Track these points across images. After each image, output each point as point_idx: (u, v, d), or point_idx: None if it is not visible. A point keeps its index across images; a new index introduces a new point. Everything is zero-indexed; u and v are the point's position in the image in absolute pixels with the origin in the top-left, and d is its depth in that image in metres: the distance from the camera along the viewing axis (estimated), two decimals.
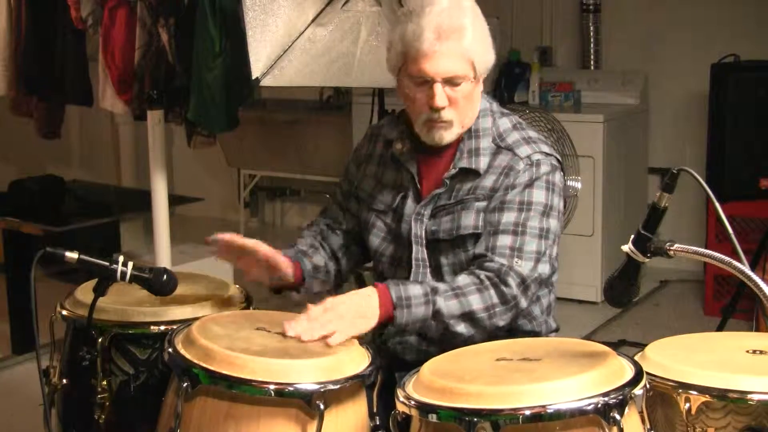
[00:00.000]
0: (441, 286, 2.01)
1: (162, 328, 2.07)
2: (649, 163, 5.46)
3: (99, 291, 1.99)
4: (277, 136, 6.08)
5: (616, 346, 3.96)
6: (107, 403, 2.08)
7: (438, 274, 2.16)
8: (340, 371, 1.77)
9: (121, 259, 1.99)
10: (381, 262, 2.26)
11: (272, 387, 1.71)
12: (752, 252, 3.68)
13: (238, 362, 1.73)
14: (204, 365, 1.75)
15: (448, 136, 2.13)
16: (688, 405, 1.74)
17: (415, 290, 1.99)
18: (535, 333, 2.21)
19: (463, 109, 2.11)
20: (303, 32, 3.23)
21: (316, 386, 1.72)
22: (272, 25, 3.18)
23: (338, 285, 2.35)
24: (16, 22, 4.02)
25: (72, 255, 1.95)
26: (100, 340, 2.06)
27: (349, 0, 3.22)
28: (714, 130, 4.74)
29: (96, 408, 2.07)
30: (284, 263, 2.17)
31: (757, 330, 3.46)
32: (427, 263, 2.17)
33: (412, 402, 1.65)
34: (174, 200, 4.27)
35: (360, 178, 2.31)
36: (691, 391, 1.74)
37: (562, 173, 2.17)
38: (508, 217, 2.08)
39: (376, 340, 2.23)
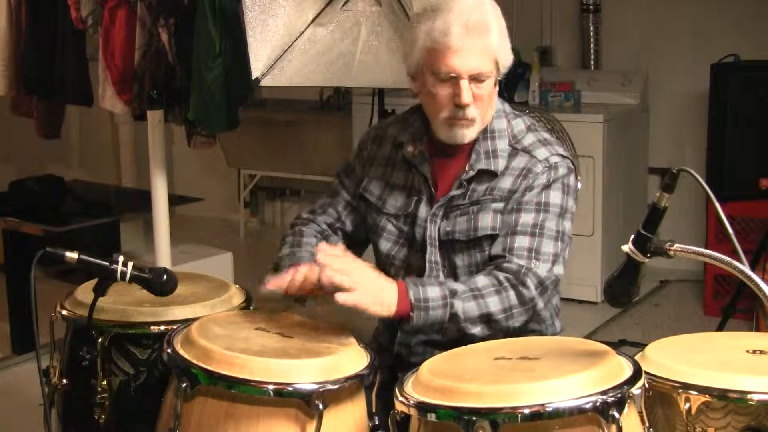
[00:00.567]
0: (459, 287, 1.99)
1: (162, 328, 2.07)
2: (649, 163, 5.45)
3: (99, 291, 1.99)
4: (277, 136, 6.08)
5: (616, 346, 3.94)
6: (107, 403, 2.08)
7: (453, 276, 2.14)
8: (339, 371, 1.77)
9: (121, 259, 1.98)
10: (393, 266, 2.22)
11: (271, 387, 1.71)
12: (752, 252, 3.68)
13: (237, 362, 1.73)
14: (203, 365, 1.75)
15: (470, 134, 2.12)
16: (688, 405, 1.74)
17: (433, 292, 1.97)
18: (541, 335, 2.20)
19: (485, 108, 2.11)
20: (303, 32, 3.23)
21: (315, 386, 1.72)
22: (272, 25, 3.18)
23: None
24: (16, 22, 4.03)
25: (72, 255, 1.95)
26: (100, 340, 2.06)
27: (349, 0, 3.22)
28: (714, 130, 4.74)
29: (96, 408, 2.08)
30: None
31: (757, 330, 3.46)
32: (441, 265, 2.15)
33: (411, 401, 1.65)
34: (174, 200, 4.27)
35: (366, 180, 2.27)
36: (691, 391, 1.74)
37: (575, 176, 2.18)
38: (526, 218, 2.08)
39: (380, 339, 2.23)
